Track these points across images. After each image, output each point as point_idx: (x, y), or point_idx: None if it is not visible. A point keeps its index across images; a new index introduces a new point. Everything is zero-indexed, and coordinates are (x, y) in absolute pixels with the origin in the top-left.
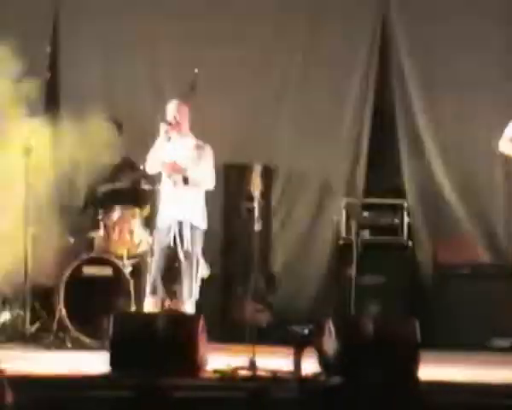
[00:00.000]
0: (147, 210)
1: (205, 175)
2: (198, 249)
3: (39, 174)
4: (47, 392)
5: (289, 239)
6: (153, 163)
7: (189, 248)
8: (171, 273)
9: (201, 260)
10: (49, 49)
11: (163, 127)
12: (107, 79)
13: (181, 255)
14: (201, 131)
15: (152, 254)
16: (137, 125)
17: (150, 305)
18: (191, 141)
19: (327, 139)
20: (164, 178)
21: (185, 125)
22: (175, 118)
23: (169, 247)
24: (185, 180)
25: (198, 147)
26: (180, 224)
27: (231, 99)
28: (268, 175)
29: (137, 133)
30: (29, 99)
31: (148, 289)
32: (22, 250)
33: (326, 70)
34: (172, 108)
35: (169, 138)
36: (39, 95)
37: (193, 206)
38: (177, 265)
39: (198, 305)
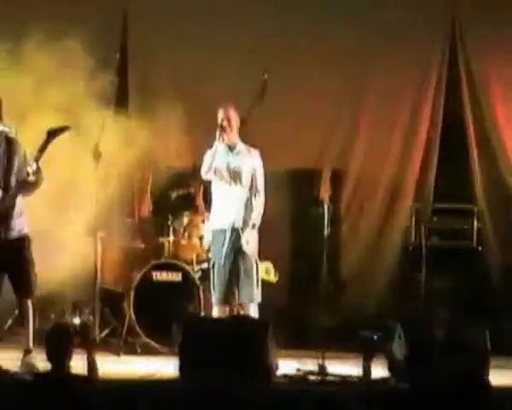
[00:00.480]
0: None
1: (256, 179)
2: (255, 252)
3: (109, 177)
4: (118, 396)
5: (358, 244)
6: (207, 167)
7: (248, 252)
8: (231, 278)
9: (260, 263)
10: (117, 55)
11: (218, 131)
12: (175, 74)
13: (240, 259)
14: (270, 136)
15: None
16: (204, 126)
17: (219, 313)
18: (241, 145)
19: (396, 144)
20: (217, 182)
21: (235, 129)
22: (223, 121)
23: (227, 252)
24: (236, 184)
25: (248, 151)
26: (235, 228)
27: (301, 104)
28: (337, 180)
29: (205, 136)
30: (99, 97)
31: (215, 297)
32: (92, 255)
33: (396, 76)
34: (222, 113)
35: (222, 142)
36: (109, 93)
37: (245, 208)
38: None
39: (266, 309)
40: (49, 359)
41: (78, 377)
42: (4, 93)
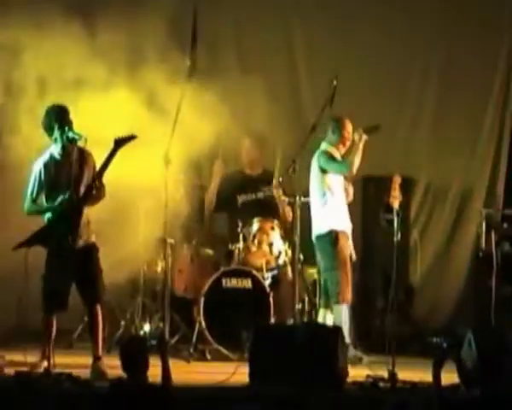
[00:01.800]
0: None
1: None
2: None
3: (179, 183)
4: (187, 402)
5: (428, 250)
6: None
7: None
8: None
9: None
10: (188, 62)
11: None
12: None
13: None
14: None
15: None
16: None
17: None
18: None
19: (466, 150)
20: (338, 188)
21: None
22: (348, 133)
23: (350, 257)
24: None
25: None
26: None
27: (371, 112)
28: (407, 187)
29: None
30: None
31: (348, 296)
32: (162, 261)
33: (464, 81)
34: (349, 125)
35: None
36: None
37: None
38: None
39: None
40: (126, 369)
41: (153, 385)
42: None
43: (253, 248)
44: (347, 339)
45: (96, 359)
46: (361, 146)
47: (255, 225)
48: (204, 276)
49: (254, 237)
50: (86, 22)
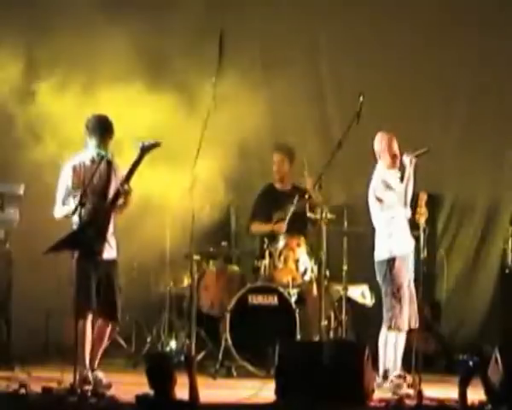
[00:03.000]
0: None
1: None
2: None
3: (205, 200)
4: None
5: (454, 267)
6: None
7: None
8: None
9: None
10: (213, 80)
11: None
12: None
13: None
14: (364, 157)
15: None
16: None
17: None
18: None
19: (493, 166)
20: (397, 212)
21: None
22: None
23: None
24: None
25: None
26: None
27: (396, 128)
28: (433, 203)
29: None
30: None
31: (399, 322)
32: (188, 278)
33: (492, 96)
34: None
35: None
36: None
37: None
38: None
39: (363, 333)
40: (152, 386)
41: (181, 402)
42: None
43: (280, 265)
44: (388, 365)
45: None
46: (411, 171)
47: (281, 242)
48: (230, 292)
49: (280, 253)
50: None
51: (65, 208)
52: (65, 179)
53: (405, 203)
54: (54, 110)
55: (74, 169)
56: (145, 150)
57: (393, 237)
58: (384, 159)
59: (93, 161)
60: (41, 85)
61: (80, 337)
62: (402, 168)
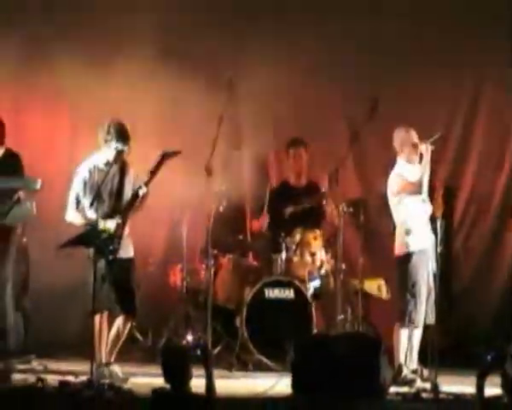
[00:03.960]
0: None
1: None
2: None
3: (222, 194)
4: None
5: (471, 260)
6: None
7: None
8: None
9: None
10: (230, 74)
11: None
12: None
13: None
14: (381, 149)
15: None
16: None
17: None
18: None
19: (509, 158)
20: (415, 207)
21: None
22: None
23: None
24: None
25: None
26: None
27: (413, 122)
28: (450, 196)
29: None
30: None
31: (415, 317)
32: (204, 271)
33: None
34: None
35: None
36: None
37: None
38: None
39: (377, 326)
40: (168, 380)
41: (197, 395)
42: None
43: (296, 259)
44: (403, 360)
45: (108, 364)
46: (428, 158)
47: (297, 236)
48: (246, 286)
49: (297, 247)
50: None
51: (77, 216)
52: (79, 182)
53: (421, 192)
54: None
55: (89, 172)
56: (165, 157)
57: (412, 232)
58: (404, 152)
59: (107, 163)
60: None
61: (97, 334)
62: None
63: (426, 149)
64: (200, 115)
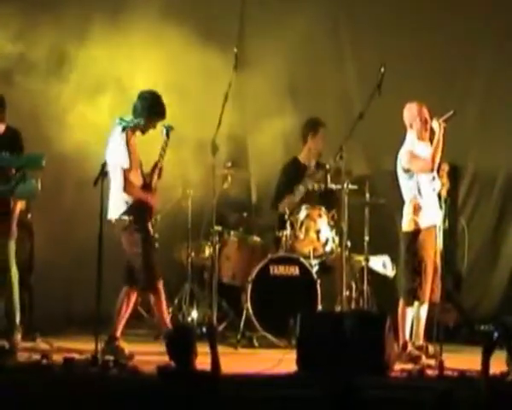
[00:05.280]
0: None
1: None
2: None
3: (226, 172)
4: (233, 391)
5: (476, 238)
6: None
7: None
8: None
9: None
10: (235, 50)
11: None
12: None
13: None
14: (387, 130)
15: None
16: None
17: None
18: None
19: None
20: (425, 185)
21: None
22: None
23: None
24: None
25: None
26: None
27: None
28: (455, 174)
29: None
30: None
31: (420, 294)
32: (209, 248)
33: None
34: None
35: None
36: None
37: None
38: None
39: (383, 303)
40: (174, 359)
41: (202, 373)
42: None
43: (301, 236)
44: (407, 337)
45: (116, 338)
46: (440, 136)
47: (303, 213)
48: (251, 263)
49: (302, 224)
50: None
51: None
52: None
53: (432, 169)
54: None
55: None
56: (171, 131)
57: (421, 209)
58: (415, 127)
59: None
60: None
61: (125, 308)
62: (432, 138)
63: (438, 126)
64: (206, 88)
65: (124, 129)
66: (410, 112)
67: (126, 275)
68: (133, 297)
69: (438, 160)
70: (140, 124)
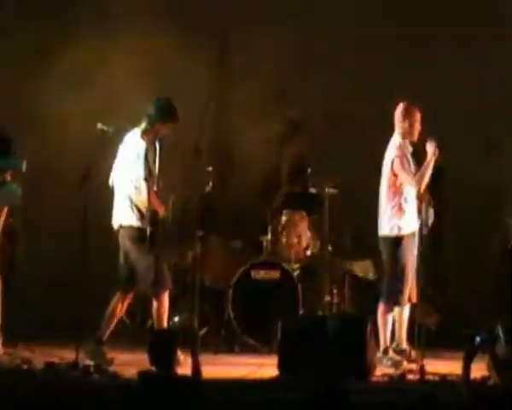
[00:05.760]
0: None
1: None
2: None
3: (208, 175)
4: (216, 395)
5: (460, 241)
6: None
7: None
8: None
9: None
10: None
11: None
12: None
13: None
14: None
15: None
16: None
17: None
18: None
19: (499, 144)
20: (410, 190)
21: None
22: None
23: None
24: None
25: None
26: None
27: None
28: (438, 176)
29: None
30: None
31: (401, 298)
32: (191, 252)
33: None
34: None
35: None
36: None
37: None
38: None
39: (364, 308)
40: (155, 364)
41: (183, 378)
42: None
43: (282, 240)
44: (388, 341)
45: (102, 342)
46: (432, 161)
47: (284, 217)
48: (233, 267)
49: (283, 228)
50: None
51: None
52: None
53: (418, 192)
54: None
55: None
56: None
57: (404, 215)
58: (401, 128)
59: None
60: None
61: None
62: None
63: (433, 153)
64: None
65: (142, 137)
66: (401, 112)
67: (123, 281)
68: (126, 303)
69: (424, 184)
70: (155, 129)
